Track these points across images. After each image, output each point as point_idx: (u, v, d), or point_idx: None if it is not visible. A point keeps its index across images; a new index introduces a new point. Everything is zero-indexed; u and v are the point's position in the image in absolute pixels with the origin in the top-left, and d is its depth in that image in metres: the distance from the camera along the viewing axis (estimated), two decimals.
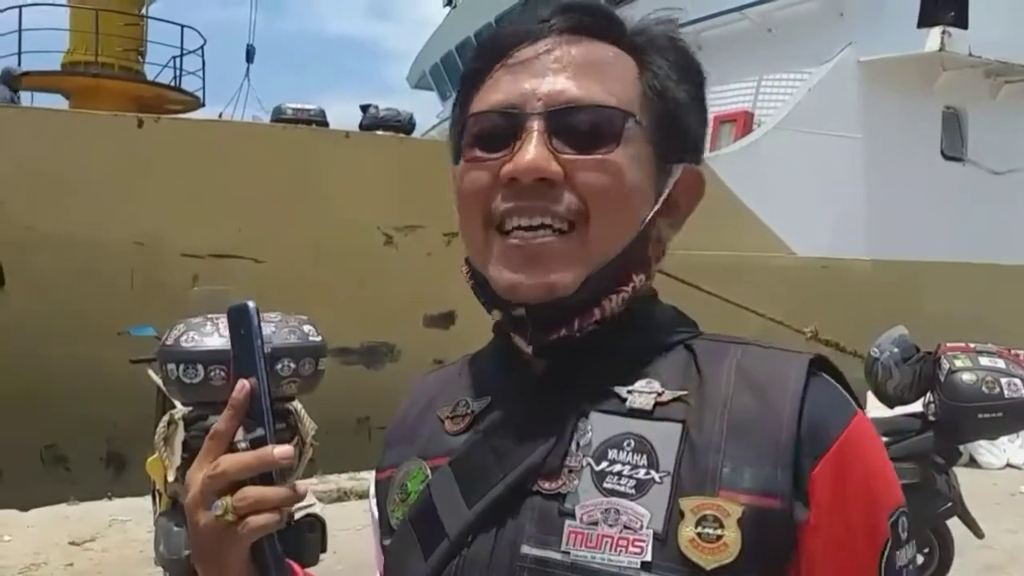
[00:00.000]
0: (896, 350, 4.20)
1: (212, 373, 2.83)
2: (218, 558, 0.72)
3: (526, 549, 0.69)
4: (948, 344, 4.14)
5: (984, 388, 3.90)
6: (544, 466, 0.71)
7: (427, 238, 8.08)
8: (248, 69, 14.20)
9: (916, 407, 4.20)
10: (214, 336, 2.87)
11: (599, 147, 0.72)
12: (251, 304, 0.75)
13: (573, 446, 0.71)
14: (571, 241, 0.72)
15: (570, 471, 0.70)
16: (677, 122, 0.77)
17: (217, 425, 0.72)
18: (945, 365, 4.01)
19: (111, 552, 4.83)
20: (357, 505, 5.84)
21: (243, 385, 0.73)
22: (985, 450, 7.20)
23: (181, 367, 2.86)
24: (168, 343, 2.95)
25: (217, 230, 7.48)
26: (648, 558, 0.65)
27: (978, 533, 4.09)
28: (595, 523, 0.67)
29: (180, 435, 3.02)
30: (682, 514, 0.66)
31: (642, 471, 0.68)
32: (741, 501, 0.65)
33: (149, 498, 4.66)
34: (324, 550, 3.32)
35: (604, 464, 0.69)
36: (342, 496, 6.06)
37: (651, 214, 0.76)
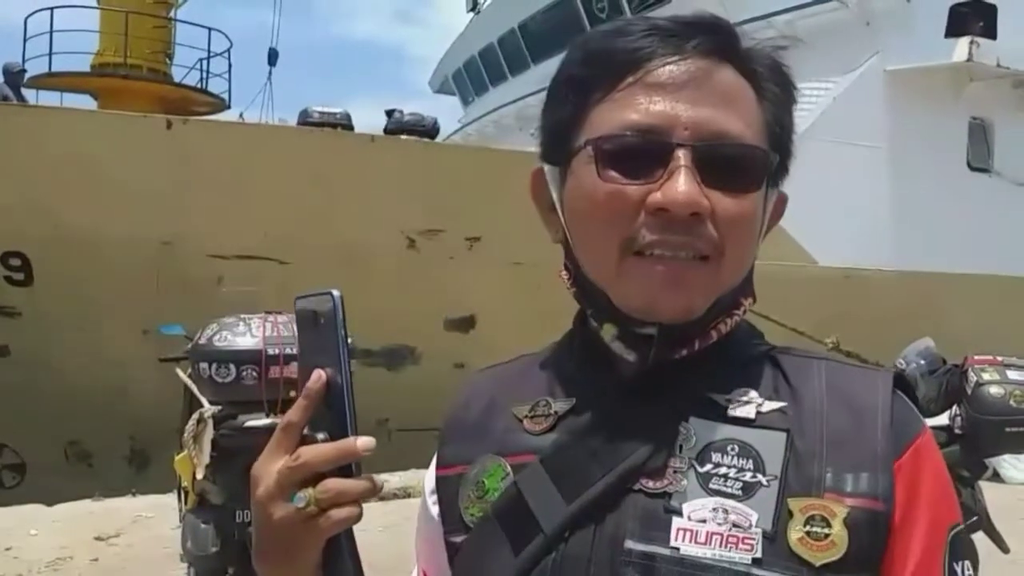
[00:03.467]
0: (922, 362, 4.17)
1: (244, 372, 2.87)
2: (293, 552, 0.71)
3: (630, 544, 0.70)
4: (976, 356, 4.10)
5: (1012, 402, 3.86)
6: (646, 466, 0.73)
7: (449, 242, 8.11)
8: (270, 72, 14.29)
9: (942, 420, 4.16)
10: (247, 336, 2.91)
11: (746, 188, 0.73)
12: (336, 293, 0.71)
13: (676, 448, 0.73)
14: (708, 269, 0.73)
15: (675, 471, 0.72)
16: (787, 151, 0.79)
17: (289, 416, 0.71)
18: (972, 378, 3.97)
19: (136, 548, 4.88)
20: (378, 507, 5.86)
21: (320, 375, 0.71)
22: (1009, 465, 7.12)
23: (214, 366, 2.90)
24: (201, 342, 2.99)
25: (243, 231, 7.55)
26: (759, 555, 0.68)
27: (1004, 548, 4.04)
28: (703, 521, 0.70)
29: (209, 433, 3.07)
30: (791, 514, 0.69)
31: (748, 474, 0.71)
32: (847, 503, 0.69)
33: (172, 495, 4.70)
34: None
35: (708, 467, 0.72)
36: None
37: (760, 240, 0.79)
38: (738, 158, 0.73)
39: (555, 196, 0.80)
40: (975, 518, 3.98)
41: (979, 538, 4.00)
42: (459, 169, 7.82)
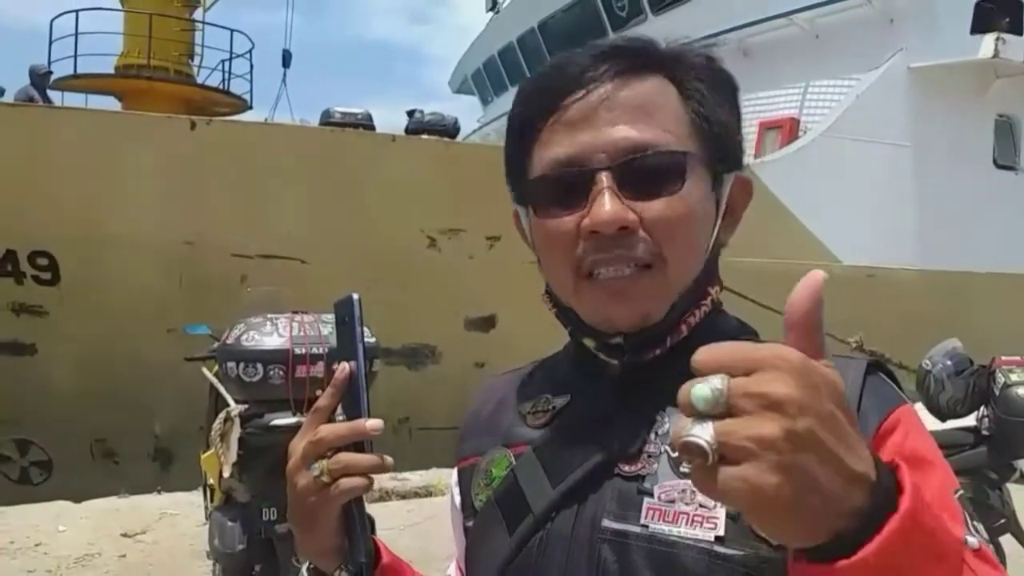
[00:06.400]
0: (949, 363, 4.14)
1: (271, 372, 2.89)
2: (312, 517, 0.80)
3: (607, 523, 0.77)
4: (1003, 357, 4.07)
5: None
6: (623, 452, 0.79)
7: (470, 241, 8.13)
8: (285, 74, 14.32)
9: (969, 421, 4.13)
10: (274, 336, 2.94)
11: (666, 190, 0.78)
12: (355, 296, 0.83)
13: (651, 435, 0.79)
14: (653, 277, 0.79)
15: (649, 456, 0.78)
16: (724, 139, 0.83)
17: (320, 401, 0.81)
18: (1000, 379, 3.95)
19: (162, 545, 4.94)
20: (399, 505, 5.90)
21: (344, 367, 0.81)
22: None
23: (241, 365, 2.93)
24: (229, 342, 3.02)
25: (265, 231, 7.60)
26: (721, 533, 0.72)
27: None
28: (672, 501, 0.75)
29: (236, 432, 3.10)
30: None
31: None
32: None
33: (198, 492, 4.75)
34: None
35: None
36: (384, 496, 6.13)
37: (716, 231, 0.83)
38: (655, 165, 0.78)
39: (527, 234, 0.88)
40: (1002, 520, 3.95)
41: (1006, 540, 3.96)
42: (479, 169, 7.80)
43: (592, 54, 0.82)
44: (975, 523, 0.73)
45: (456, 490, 0.92)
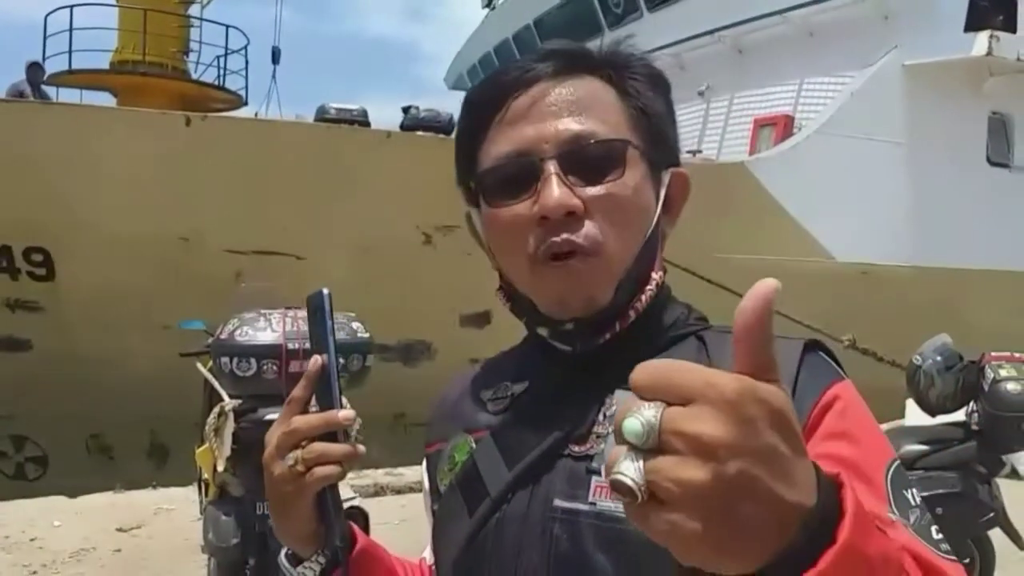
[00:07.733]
0: (939, 358, 4.16)
1: (264, 366, 2.91)
2: (288, 505, 0.85)
3: (558, 502, 0.81)
4: (993, 353, 4.10)
5: None
6: (574, 433, 0.83)
7: (465, 238, 7.90)
8: (275, 71, 14.27)
9: (959, 416, 4.16)
10: (267, 331, 2.95)
11: (608, 177, 0.83)
12: (325, 291, 0.87)
13: (600, 416, 0.83)
14: (598, 261, 0.82)
15: (597, 436, 0.82)
16: (661, 133, 0.89)
17: (294, 392, 0.85)
18: (989, 374, 3.97)
19: (157, 539, 4.95)
20: (393, 500, 5.91)
21: (316, 359, 0.85)
22: None
23: (235, 360, 2.94)
24: (223, 337, 3.03)
25: (261, 227, 7.60)
26: None
27: (1020, 544, 4.04)
28: None
29: (230, 426, 3.11)
30: None
31: None
32: None
33: (192, 488, 4.77)
34: None
35: None
36: (379, 491, 6.15)
37: (655, 220, 0.87)
38: (597, 154, 0.83)
39: (480, 232, 0.91)
40: (991, 514, 3.98)
41: (995, 534, 3.99)
42: None
43: (530, 58, 0.87)
44: (912, 491, 0.73)
45: (426, 475, 0.96)
